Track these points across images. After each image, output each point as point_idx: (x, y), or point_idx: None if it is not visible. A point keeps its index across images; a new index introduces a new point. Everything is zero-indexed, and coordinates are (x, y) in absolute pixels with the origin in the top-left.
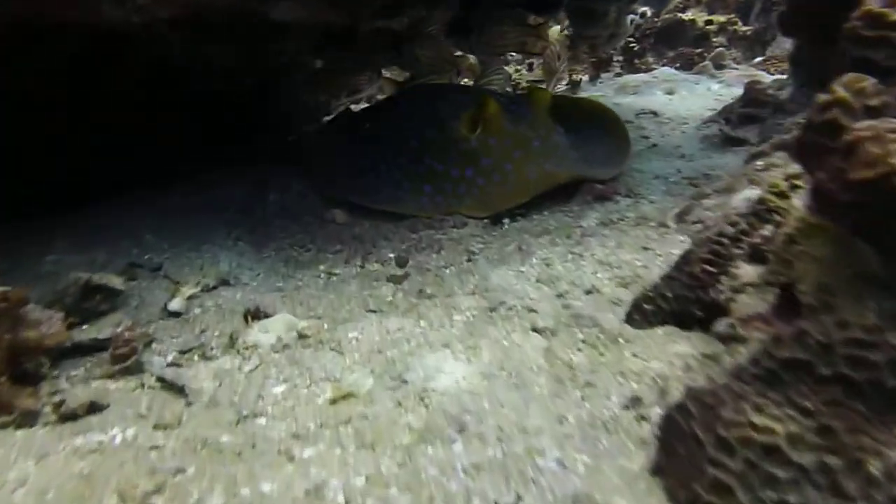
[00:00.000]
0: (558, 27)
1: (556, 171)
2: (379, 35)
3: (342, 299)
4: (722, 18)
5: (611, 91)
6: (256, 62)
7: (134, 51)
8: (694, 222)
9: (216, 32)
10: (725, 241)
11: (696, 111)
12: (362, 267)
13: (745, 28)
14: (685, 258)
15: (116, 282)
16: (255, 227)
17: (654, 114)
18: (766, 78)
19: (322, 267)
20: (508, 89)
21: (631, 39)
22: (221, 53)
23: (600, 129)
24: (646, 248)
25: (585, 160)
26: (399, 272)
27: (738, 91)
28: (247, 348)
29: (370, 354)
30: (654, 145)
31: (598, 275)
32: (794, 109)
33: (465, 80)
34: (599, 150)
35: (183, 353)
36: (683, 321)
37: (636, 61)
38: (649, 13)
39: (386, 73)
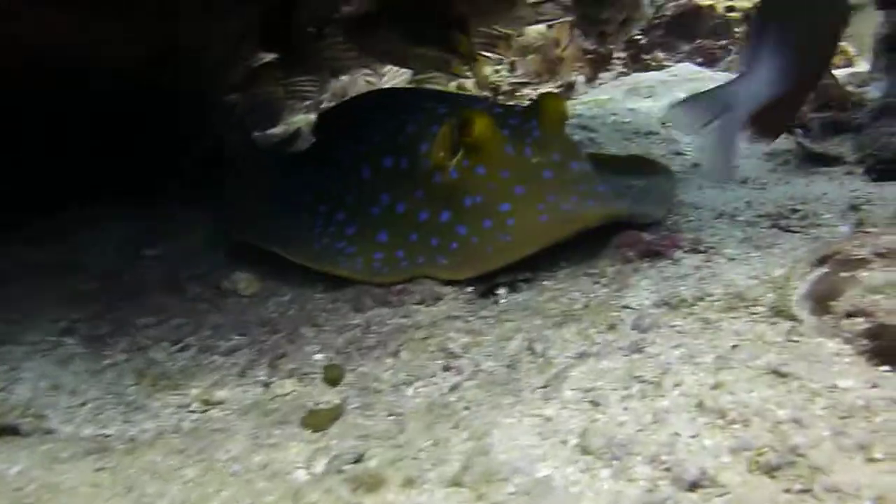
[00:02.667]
0: (542, 26)
1: (580, 211)
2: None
3: (210, 482)
4: (746, 3)
5: (619, 94)
6: (165, 55)
7: None
8: (851, 314)
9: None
10: None
11: None
12: (267, 386)
13: None
14: None
15: None
16: (108, 307)
17: None
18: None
19: (197, 386)
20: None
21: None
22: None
23: (626, 161)
24: (779, 373)
25: (619, 194)
26: (325, 401)
27: None
28: None
29: None
30: (696, 165)
31: (704, 439)
32: None
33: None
34: (635, 181)
35: None
36: None
37: (644, 57)
38: None
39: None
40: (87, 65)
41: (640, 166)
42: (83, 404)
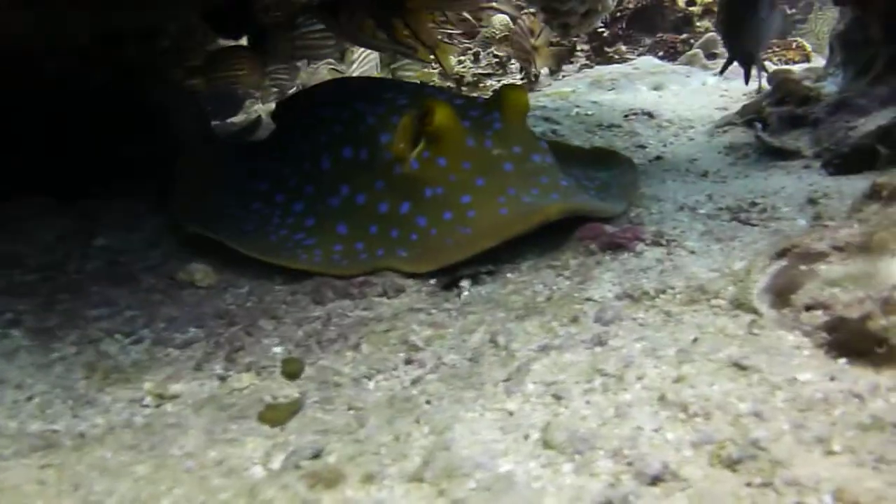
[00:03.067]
0: (504, 17)
1: (541, 204)
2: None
3: (163, 479)
4: None
5: (583, 86)
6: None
7: None
8: (810, 307)
9: None
10: None
11: (701, 111)
12: (223, 380)
13: None
14: None
15: None
16: (53, 299)
17: (650, 115)
18: (781, 67)
19: (151, 380)
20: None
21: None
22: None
23: (589, 153)
24: (740, 367)
25: (581, 187)
26: (284, 395)
27: (739, 85)
28: None
29: None
30: (659, 158)
31: (666, 432)
32: (864, 106)
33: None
34: (598, 174)
35: None
36: None
37: (606, 50)
38: None
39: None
40: (40, 50)
41: (603, 158)
42: (30, 399)
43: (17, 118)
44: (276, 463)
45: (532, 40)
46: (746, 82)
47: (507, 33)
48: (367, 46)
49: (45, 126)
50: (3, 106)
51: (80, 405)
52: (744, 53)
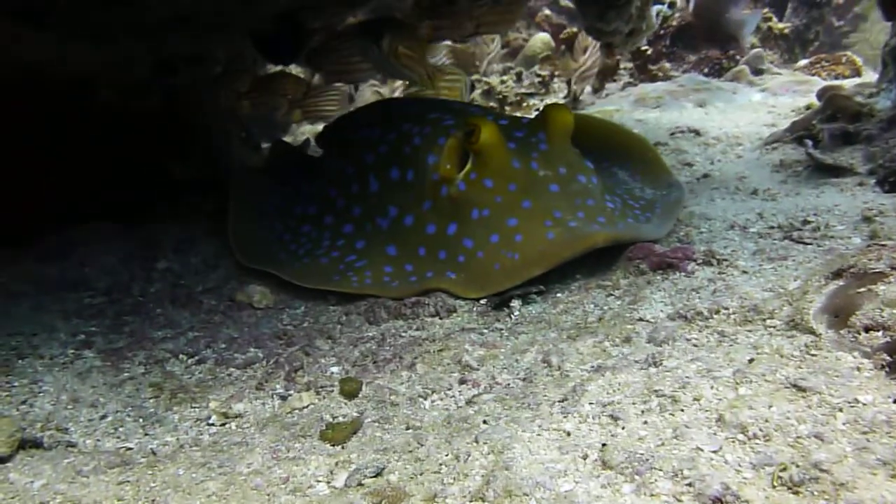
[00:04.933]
0: (546, 35)
1: (588, 231)
2: None
3: (233, 495)
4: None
5: (626, 104)
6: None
7: None
8: (869, 328)
9: None
10: None
11: (748, 128)
12: (284, 399)
13: (781, 25)
14: None
15: None
16: (120, 321)
17: (696, 133)
18: (828, 83)
19: (216, 399)
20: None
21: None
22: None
23: (628, 160)
24: (798, 387)
25: (629, 210)
26: (343, 414)
27: (789, 101)
28: None
29: None
30: (706, 175)
31: (725, 453)
32: None
33: None
34: (643, 193)
35: None
36: None
37: (650, 67)
38: (679, 3)
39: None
40: (98, 79)
41: (651, 169)
42: (103, 417)
43: (75, 143)
44: (340, 481)
45: (580, 57)
46: None
47: (548, 52)
48: (397, 75)
49: (101, 149)
50: (63, 133)
51: (150, 423)
52: None
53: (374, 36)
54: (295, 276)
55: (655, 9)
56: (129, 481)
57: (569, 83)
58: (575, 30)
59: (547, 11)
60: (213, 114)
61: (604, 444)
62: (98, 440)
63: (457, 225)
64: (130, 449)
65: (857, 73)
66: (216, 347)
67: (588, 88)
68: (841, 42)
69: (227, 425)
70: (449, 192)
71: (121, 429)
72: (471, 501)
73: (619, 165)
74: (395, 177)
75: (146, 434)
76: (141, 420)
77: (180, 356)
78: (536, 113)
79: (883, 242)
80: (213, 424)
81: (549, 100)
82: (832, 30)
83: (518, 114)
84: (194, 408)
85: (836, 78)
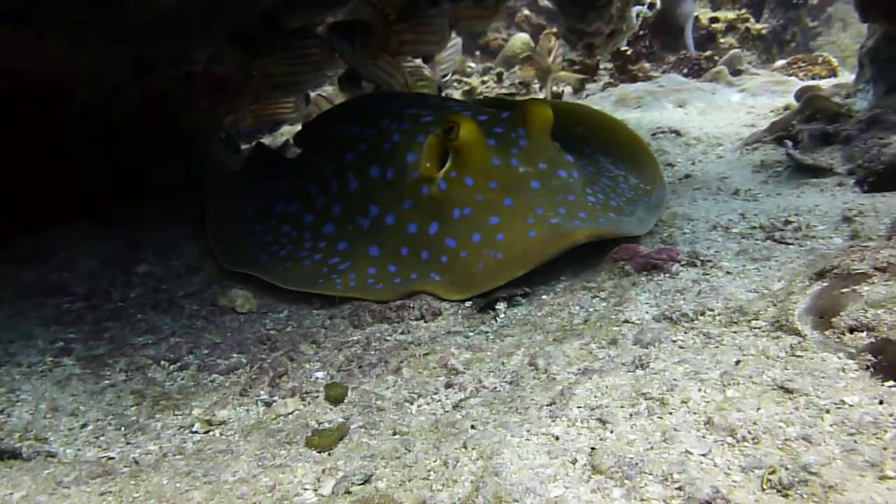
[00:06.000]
0: (526, 35)
1: (569, 227)
2: None
3: None
4: (731, 15)
5: (608, 105)
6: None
7: None
8: (854, 329)
9: None
10: None
11: (728, 128)
12: (269, 405)
13: (758, 26)
14: None
15: None
16: (100, 327)
17: (677, 133)
18: (806, 84)
19: (199, 406)
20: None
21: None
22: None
23: (613, 148)
24: (784, 389)
25: (611, 204)
26: (329, 420)
27: (767, 101)
28: None
29: None
30: (688, 176)
31: (715, 456)
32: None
33: None
34: (625, 187)
35: None
36: None
37: (630, 68)
38: (659, 4)
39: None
40: (78, 81)
41: (636, 160)
42: (84, 426)
43: (53, 145)
44: (327, 488)
45: (548, 60)
46: None
47: (528, 53)
48: (373, 77)
49: (80, 151)
50: (41, 135)
51: (132, 432)
52: None
53: (347, 37)
54: (278, 279)
55: (635, 10)
56: (111, 492)
57: (542, 86)
58: (555, 30)
59: (526, 12)
60: (194, 115)
61: (593, 449)
62: (79, 450)
63: (438, 224)
64: (112, 458)
65: (834, 74)
66: (199, 353)
67: (569, 89)
68: (808, 45)
69: (211, 433)
70: (429, 190)
71: (102, 438)
72: None
73: (604, 153)
74: (375, 175)
75: (128, 443)
76: (123, 428)
77: (162, 362)
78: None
79: (865, 243)
80: (196, 432)
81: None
82: (808, 31)
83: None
84: (177, 415)
85: (813, 78)
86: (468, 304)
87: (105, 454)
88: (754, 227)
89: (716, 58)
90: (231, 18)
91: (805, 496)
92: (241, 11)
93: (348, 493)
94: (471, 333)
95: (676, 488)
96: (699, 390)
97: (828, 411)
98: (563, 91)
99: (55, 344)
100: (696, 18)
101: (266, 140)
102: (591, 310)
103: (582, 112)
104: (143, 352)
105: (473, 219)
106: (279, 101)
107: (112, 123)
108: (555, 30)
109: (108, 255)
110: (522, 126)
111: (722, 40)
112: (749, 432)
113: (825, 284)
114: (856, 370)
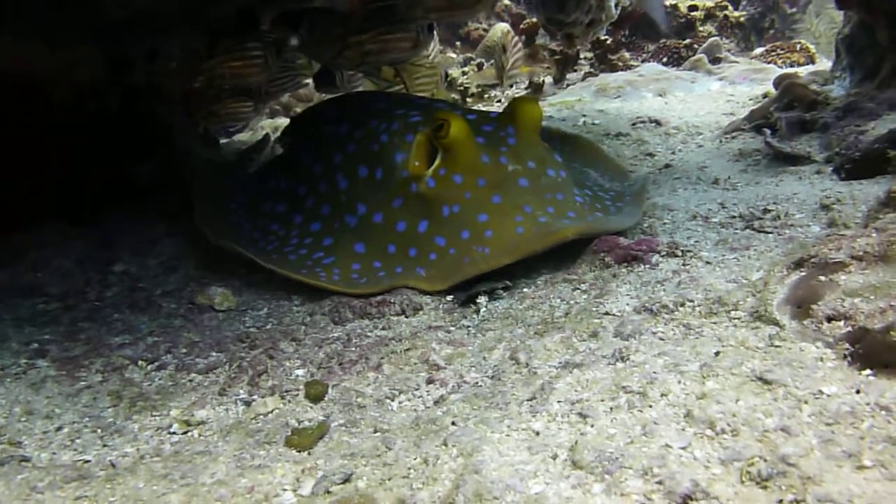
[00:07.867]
0: (505, 25)
1: (558, 225)
2: None
3: None
4: (709, 3)
5: (588, 95)
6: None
7: None
8: (831, 318)
9: None
10: None
11: (707, 117)
12: (248, 404)
13: (736, 14)
14: None
15: None
16: (76, 327)
17: (657, 123)
18: (787, 71)
19: (177, 407)
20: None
21: None
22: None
23: (587, 157)
24: (763, 380)
25: (598, 202)
26: (309, 418)
27: (746, 89)
28: None
29: None
30: (668, 166)
31: (694, 449)
32: (873, 110)
33: None
34: (611, 185)
35: None
36: None
37: (610, 57)
38: None
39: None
40: (53, 78)
41: (613, 169)
42: (59, 429)
43: (29, 144)
44: (307, 489)
45: (503, 57)
46: None
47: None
48: (330, 65)
49: (57, 150)
50: (16, 134)
51: (108, 434)
52: None
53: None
54: (263, 260)
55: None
56: (86, 496)
57: (500, 81)
58: (535, 20)
59: (506, 1)
60: (172, 112)
61: (574, 444)
62: (54, 453)
63: (427, 222)
64: (88, 462)
65: (812, 61)
66: (177, 352)
67: (549, 79)
68: (786, 33)
69: (190, 433)
70: (418, 188)
71: (78, 441)
72: None
73: (583, 165)
74: (364, 175)
75: (105, 445)
76: (99, 431)
77: (139, 362)
78: (501, 105)
79: (842, 232)
80: (174, 433)
81: (510, 91)
82: (786, 17)
83: (480, 106)
84: (155, 416)
85: (792, 65)
86: (449, 298)
87: (81, 457)
88: (733, 217)
89: (695, 46)
90: (206, 15)
91: (784, 488)
92: (216, 8)
93: (328, 492)
94: (452, 328)
95: (656, 482)
96: (679, 383)
97: (806, 402)
98: (543, 81)
99: (30, 345)
100: (675, 7)
101: (245, 135)
102: (572, 302)
103: (568, 136)
104: (120, 352)
105: (462, 216)
106: (239, 100)
107: (89, 122)
108: (534, 20)
109: (84, 254)
110: (512, 124)
111: (701, 28)
112: (728, 424)
113: (803, 274)
114: (834, 359)
